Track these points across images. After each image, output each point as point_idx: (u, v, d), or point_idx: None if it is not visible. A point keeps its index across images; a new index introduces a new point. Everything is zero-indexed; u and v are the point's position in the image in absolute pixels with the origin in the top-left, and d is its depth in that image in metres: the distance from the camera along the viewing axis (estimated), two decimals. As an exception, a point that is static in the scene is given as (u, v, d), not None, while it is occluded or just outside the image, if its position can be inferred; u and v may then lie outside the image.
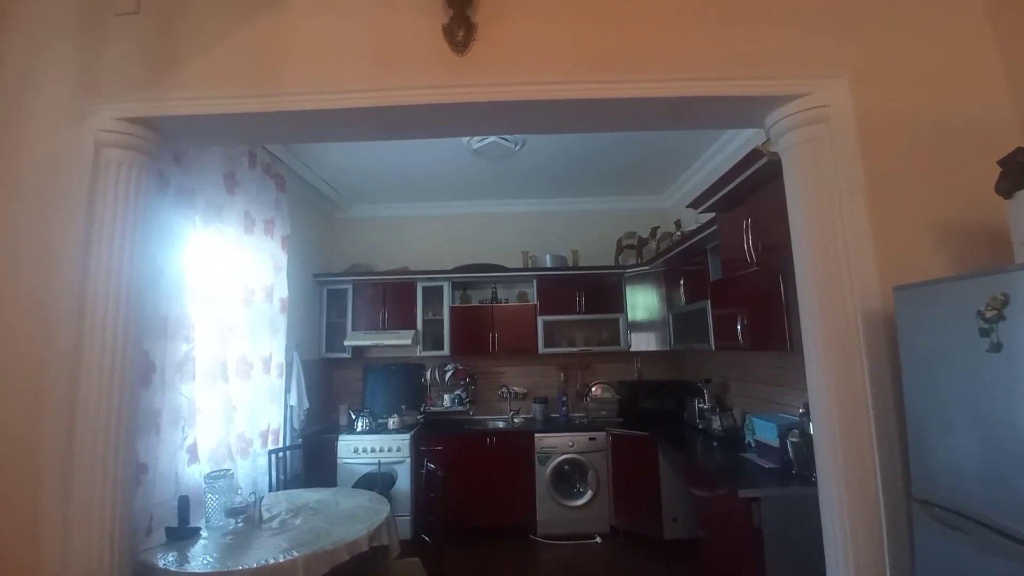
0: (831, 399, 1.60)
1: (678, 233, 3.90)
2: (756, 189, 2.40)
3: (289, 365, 3.70)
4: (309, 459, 3.89)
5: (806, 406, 2.25)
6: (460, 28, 1.65)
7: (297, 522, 2.35)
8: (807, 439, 2.29)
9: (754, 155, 2.14)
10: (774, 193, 2.08)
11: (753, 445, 2.97)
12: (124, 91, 1.70)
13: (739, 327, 2.85)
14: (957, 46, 1.70)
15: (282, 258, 3.60)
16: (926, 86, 1.67)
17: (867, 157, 1.60)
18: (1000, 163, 1.31)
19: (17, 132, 1.71)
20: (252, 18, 1.71)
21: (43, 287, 1.62)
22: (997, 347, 1.07)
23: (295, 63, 1.69)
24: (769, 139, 1.88)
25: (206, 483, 2.43)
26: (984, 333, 1.10)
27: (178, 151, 2.41)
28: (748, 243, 2.49)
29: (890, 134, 1.62)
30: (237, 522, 2.31)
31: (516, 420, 4.53)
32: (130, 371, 1.76)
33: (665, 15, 1.69)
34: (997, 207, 1.37)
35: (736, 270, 2.73)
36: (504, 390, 4.68)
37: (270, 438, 3.40)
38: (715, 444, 3.30)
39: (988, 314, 1.08)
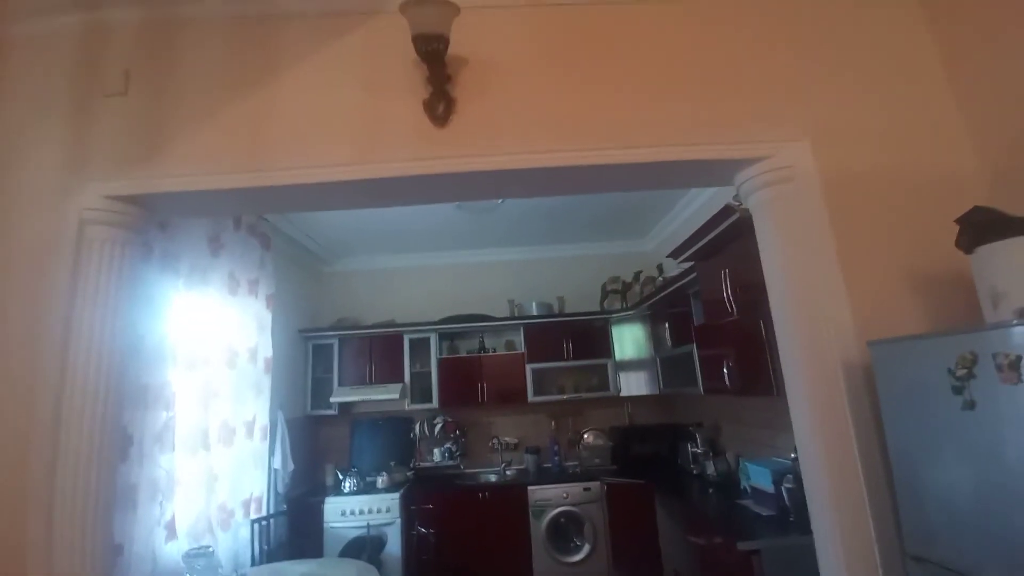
0: (818, 449, 1.61)
1: (660, 278, 3.98)
2: (731, 241, 2.48)
3: (273, 426, 3.60)
4: (294, 525, 3.74)
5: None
6: (440, 103, 1.72)
7: (281, 600, 2.24)
8: (802, 485, 2.27)
9: (726, 211, 2.22)
10: (749, 245, 2.15)
11: (749, 491, 2.94)
12: (111, 169, 1.72)
13: (726, 371, 2.87)
14: (916, 103, 1.79)
15: (267, 317, 3.57)
16: (888, 143, 1.76)
17: (834, 213, 1.67)
18: (957, 221, 1.39)
19: (2, 209, 1.72)
20: (239, 97, 1.77)
21: (26, 365, 1.59)
22: (971, 405, 1.10)
23: (282, 139, 1.74)
24: (739, 195, 1.96)
25: (185, 563, 2.33)
26: (957, 391, 1.13)
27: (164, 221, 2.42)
28: (727, 292, 2.55)
29: (855, 191, 1.70)
30: (217, 604, 2.20)
31: (508, 472, 4.44)
32: (108, 446, 1.70)
33: (635, 88, 1.78)
34: (967, 258, 1.42)
35: (718, 317, 2.78)
36: (495, 441, 4.60)
37: (252, 506, 3.27)
38: (711, 491, 3.26)
39: (959, 372, 1.11)
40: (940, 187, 1.69)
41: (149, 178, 1.71)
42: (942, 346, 1.18)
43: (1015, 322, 1.06)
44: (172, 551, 2.50)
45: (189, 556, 2.34)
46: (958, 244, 1.40)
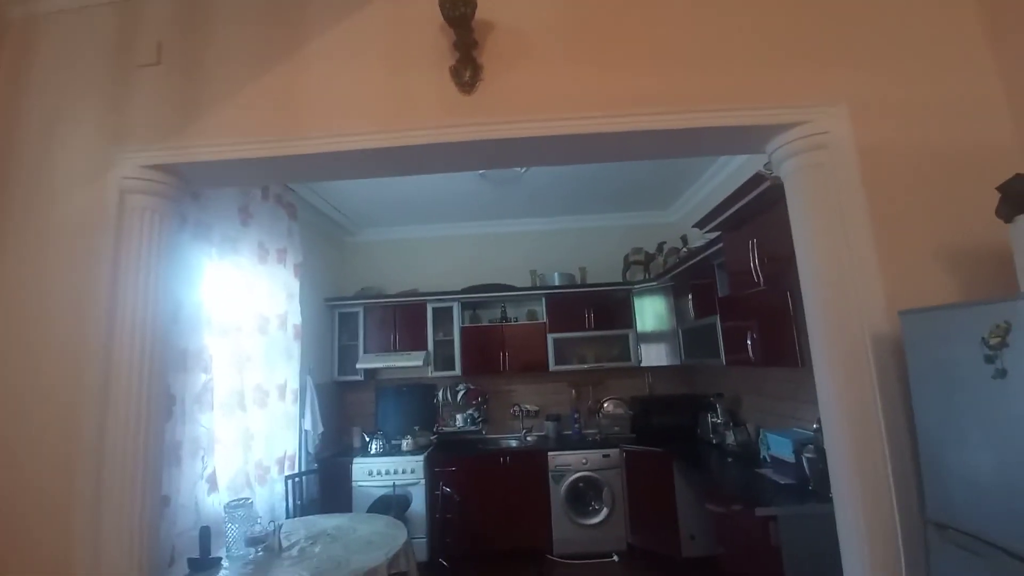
0: (843, 421, 1.61)
1: (684, 249, 3.93)
2: (760, 211, 2.43)
3: (303, 390, 3.75)
4: (324, 483, 3.92)
5: (820, 421, 2.26)
6: (467, 69, 1.71)
7: (316, 550, 2.37)
8: (823, 455, 2.28)
9: (757, 179, 2.17)
10: (778, 215, 2.12)
11: (768, 460, 2.96)
12: (147, 140, 1.77)
13: (749, 342, 2.86)
14: (956, 72, 1.72)
15: (295, 285, 3.67)
16: (926, 112, 1.69)
17: (868, 183, 1.63)
18: (999, 188, 1.34)
19: (45, 183, 1.79)
20: (269, 66, 1.79)
21: (73, 332, 1.68)
22: (1002, 373, 1.09)
23: (310, 108, 1.76)
24: (771, 164, 1.92)
25: (226, 513, 2.47)
26: (989, 360, 1.12)
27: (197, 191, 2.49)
28: (754, 263, 2.52)
29: (891, 160, 1.65)
30: (257, 551, 2.34)
31: (529, 438, 4.54)
32: (155, 406, 1.81)
33: (665, 52, 1.74)
34: (1002, 230, 1.39)
35: (744, 288, 2.75)
36: (516, 408, 4.70)
37: (286, 464, 3.45)
38: (730, 460, 3.29)
39: (992, 341, 1.10)
40: (978, 158, 1.63)
41: (183, 148, 1.76)
42: (976, 315, 1.16)
43: (1054, 291, 1.04)
44: (214, 502, 2.66)
45: (230, 507, 2.48)
46: (998, 212, 1.36)
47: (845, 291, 1.62)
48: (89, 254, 1.72)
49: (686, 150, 1.90)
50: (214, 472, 2.71)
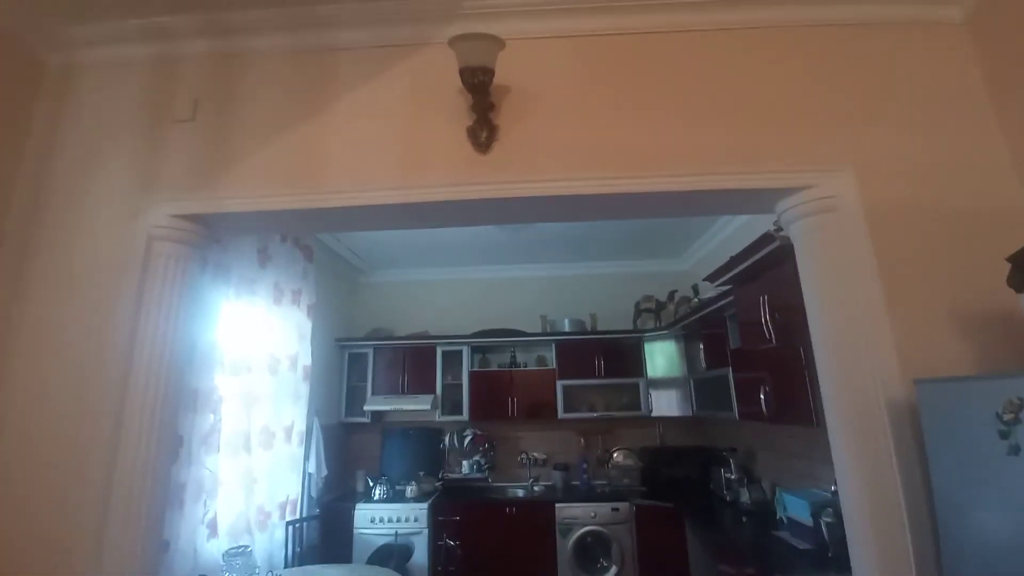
0: (860, 487, 1.56)
1: (696, 299, 3.93)
2: (771, 267, 2.44)
3: (309, 431, 3.72)
4: (326, 529, 3.84)
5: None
6: (483, 130, 1.79)
7: (314, 604, 2.30)
8: (842, 520, 2.20)
9: (766, 239, 2.20)
10: (789, 272, 2.12)
11: (785, 522, 2.85)
12: (177, 190, 1.85)
13: (762, 396, 2.81)
14: (963, 135, 1.75)
15: (307, 326, 3.71)
16: (934, 175, 1.71)
17: (878, 246, 1.64)
18: (1009, 259, 1.35)
19: (74, 227, 1.86)
20: (296, 124, 1.89)
21: (91, 373, 1.71)
22: (1016, 450, 1.06)
23: (333, 163, 1.84)
24: (780, 222, 1.94)
25: (224, 561, 2.42)
26: (1003, 435, 1.09)
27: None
28: (765, 318, 2.51)
29: (900, 223, 1.67)
30: (254, 603, 2.28)
31: (536, 487, 4.43)
32: (164, 448, 1.82)
33: (676, 116, 1.80)
34: (1015, 296, 1.38)
35: (756, 343, 2.73)
36: (524, 456, 4.61)
37: (288, 508, 3.39)
38: (744, 519, 3.18)
39: (1006, 417, 1.08)
40: (988, 222, 1.64)
41: (212, 199, 1.83)
42: (990, 389, 1.14)
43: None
44: (212, 549, 2.61)
45: (229, 555, 2.44)
46: (1009, 282, 1.35)
47: (858, 354, 1.60)
48: (112, 297, 1.77)
49: (696, 210, 1.95)
50: (215, 517, 2.67)
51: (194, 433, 2.54)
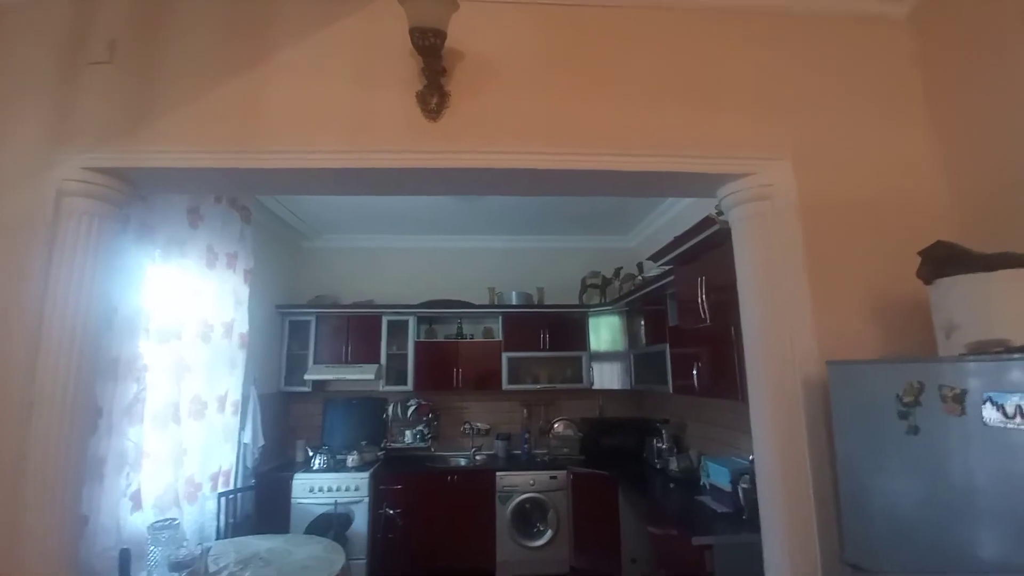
0: (773, 456, 1.71)
1: (640, 277, 4.04)
2: (709, 249, 2.54)
3: (245, 401, 3.58)
4: (262, 500, 3.75)
5: (755, 454, 2.37)
6: (433, 96, 1.72)
7: (246, 575, 2.26)
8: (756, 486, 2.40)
9: (707, 222, 2.28)
10: (725, 255, 2.22)
11: (708, 488, 3.06)
12: (93, 141, 1.68)
13: (695, 372, 2.97)
14: (896, 133, 1.86)
15: (244, 292, 3.52)
16: (866, 170, 1.82)
17: (807, 234, 1.74)
18: (920, 253, 1.46)
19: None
20: (231, 75, 1.74)
21: (-1, 338, 1.56)
22: (915, 430, 1.18)
23: (272, 122, 1.72)
24: (720, 207, 2.02)
25: (150, 534, 2.33)
26: (902, 416, 1.21)
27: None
28: (702, 298, 2.63)
29: (829, 213, 1.77)
30: (182, 576, 2.21)
31: (478, 457, 4.51)
32: (80, 420, 1.71)
33: (627, 93, 1.81)
34: (928, 288, 1.49)
35: (691, 321, 2.86)
36: (467, 426, 4.66)
37: (220, 480, 3.27)
38: (672, 486, 3.38)
39: (906, 399, 1.19)
40: (913, 217, 1.77)
41: (133, 152, 1.67)
42: (893, 373, 1.26)
43: (963, 356, 1.14)
44: (137, 522, 2.49)
45: (154, 528, 2.34)
46: (919, 274, 1.47)
47: (781, 334, 1.71)
48: (18, 257, 1.61)
49: (644, 191, 1.98)
50: (139, 490, 2.54)
51: (115, 403, 2.38)
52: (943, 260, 1.42)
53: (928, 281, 1.46)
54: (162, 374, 2.74)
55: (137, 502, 2.52)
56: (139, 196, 1.91)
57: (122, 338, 2.41)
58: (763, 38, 1.90)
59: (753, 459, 2.63)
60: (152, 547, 2.27)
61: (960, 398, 1.08)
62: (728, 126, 1.83)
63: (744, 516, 2.52)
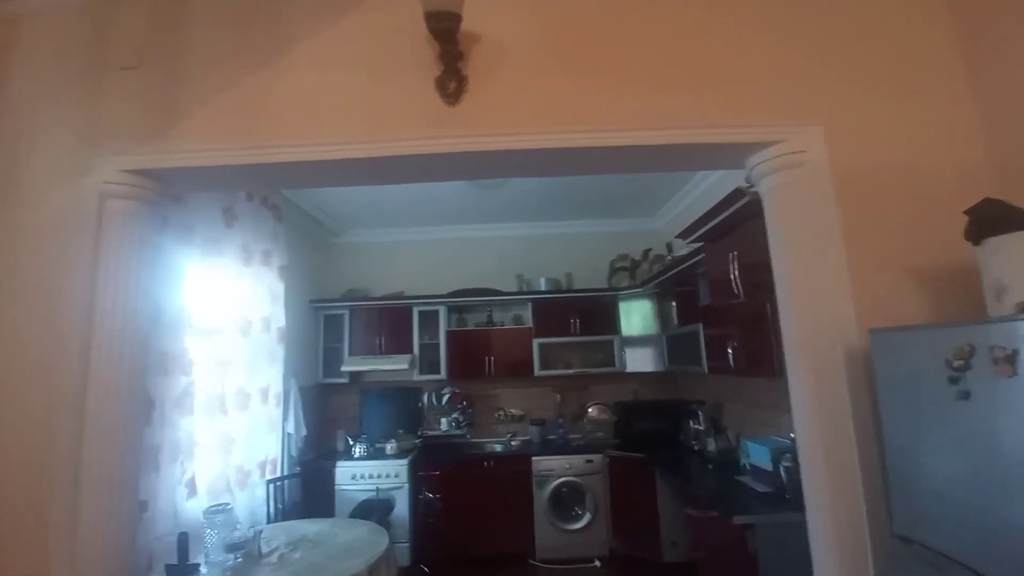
0: (815, 432, 1.65)
1: (669, 257, 3.97)
2: (740, 223, 2.47)
3: (287, 393, 3.72)
4: (307, 487, 3.90)
5: (796, 431, 2.30)
6: (451, 81, 1.72)
7: (296, 556, 2.36)
8: (799, 464, 2.33)
9: (737, 194, 2.21)
10: (757, 228, 2.15)
11: (748, 468, 3.00)
12: (127, 144, 1.75)
13: (730, 351, 2.90)
14: (931, 94, 1.76)
15: (279, 288, 3.64)
16: (901, 133, 1.73)
17: (843, 201, 1.67)
18: (967, 212, 1.38)
19: (20, 185, 1.76)
20: (251, 72, 1.78)
21: (48, 337, 1.66)
22: (965, 395, 1.13)
23: (292, 115, 1.75)
24: (750, 178, 1.95)
25: (205, 518, 2.45)
26: (953, 381, 1.15)
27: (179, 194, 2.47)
28: (735, 274, 2.56)
29: (865, 179, 1.69)
30: (236, 557, 2.32)
31: (513, 443, 4.56)
32: (134, 410, 1.81)
33: (650, 71, 1.76)
34: (972, 250, 1.42)
35: (724, 299, 2.79)
36: (501, 413, 4.71)
37: (268, 468, 3.42)
38: (710, 467, 3.34)
39: (955, 363, 1.14)
40: (950, 180, 1.68)
41: (163, 153, 1.74)
42: (941, 337, 1.20)
43: (1014, 316, 1.07)
44: (193, 507, 2.63)
45: (209, 512, 2.46)
46: (967, 235, 1.40)
47: (819, 305, 1.66)
48: (65, 258, 1.70)
49: (667, 165, 1.93)
50: (193, 477, 2.68)
51: (167, 395, 2.51)
52: (991, 219, 1.34)
53: (976, 241, 1.38)
54: (207, 368, 2.87)
55: (192, 489, 2.66)
56: (173, 196, 1.99)
57: (169, 334, 2.53)
58: (789, 9, 1.81)
59: (794, 436, 2.57)
60: (208, 530, 2.39)
61: (1012, 358, 1.02)
62: (754, 96, 1.76)
63: (787, 495, 2.46)
